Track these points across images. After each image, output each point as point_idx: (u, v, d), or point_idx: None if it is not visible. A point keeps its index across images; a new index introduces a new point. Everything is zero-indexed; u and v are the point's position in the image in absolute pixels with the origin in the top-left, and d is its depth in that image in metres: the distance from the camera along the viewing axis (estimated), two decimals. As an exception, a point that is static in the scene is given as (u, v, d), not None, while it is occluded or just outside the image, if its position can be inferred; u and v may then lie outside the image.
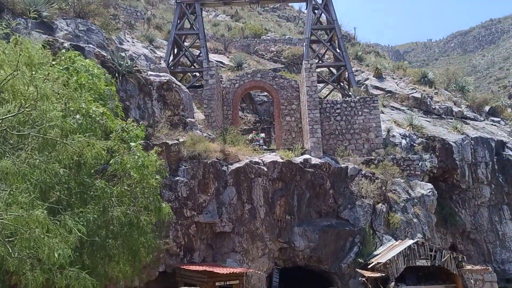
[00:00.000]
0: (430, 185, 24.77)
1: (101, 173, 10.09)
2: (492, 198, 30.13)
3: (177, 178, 16.69)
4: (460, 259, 18.75)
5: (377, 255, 20.46)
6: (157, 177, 9.37)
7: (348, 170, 23.74)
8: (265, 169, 19.81)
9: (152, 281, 15.37)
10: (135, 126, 10.62)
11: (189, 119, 19.55)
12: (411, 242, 19.24)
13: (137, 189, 9.17)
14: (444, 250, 19.10)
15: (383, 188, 23.39)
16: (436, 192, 24.70)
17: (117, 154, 9.68)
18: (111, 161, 9.60)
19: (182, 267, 15.13)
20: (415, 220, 22.87)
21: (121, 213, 8.75)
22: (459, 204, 29.86)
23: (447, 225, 28.69)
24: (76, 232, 6.60)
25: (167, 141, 16.99)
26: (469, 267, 19.86)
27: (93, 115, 8.87)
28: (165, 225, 14.33)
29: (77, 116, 8.49)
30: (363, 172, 24.11)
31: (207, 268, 14.72)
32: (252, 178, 19.17)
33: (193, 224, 16.66)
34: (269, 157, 20.78)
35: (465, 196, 29.91)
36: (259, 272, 17.36)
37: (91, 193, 8.82)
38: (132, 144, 9.27)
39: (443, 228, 28.48)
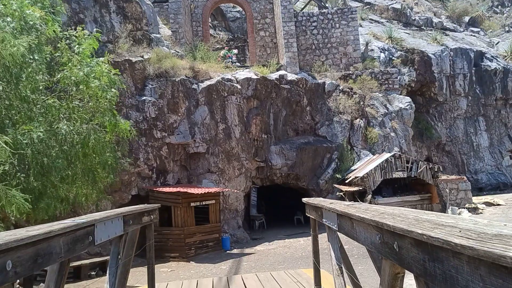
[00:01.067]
0: (408, 99, 24.32)
1: (51, 89, 8.94)
2: (469, 110, 30.19)
3: (144, 97, 15.58)
4: (436, 170, 18.80)
5: (355, 170, 20.39)
6: (112, 90, 8.31)
7: (326, 86, 22.94)
8: (239, 87, 18.78)
9: (125, 205, 14.85)
10: (87, 35, 9.29)
11: (154, 34, 17.96)
12: (388, 155, 19.09)
13: (90, 104, 8.14)
14: (420, 161, 19.07)
15: (361, 103, 22.82)
16: (413, 105, 24.32)
17: (66, 68, 8.49)
18: (59, 75, 8.43)
19: (155, 189, 14.60)
20: (392, 134, 22.66)
21: (73, 131, 7.80)
22: (436, 118, 29.87)
23: (423, 138, 28.90)
24: (4, 147, 5.68)
25: (130, 58, 15.61)
26: (444, 177, 20.06)
27: (29, 20, 7.54)
28: (128, 143, 13.48)
29: (8, 19, 7.18)
30: (340, 88, 23.37)
31: (181, 189, 14.23)
32: (225, 97, 18.20)
33: (164, 146, 15.89)
34: (242, 74, 19.66)
35: (442, 109, 29.86)
36: (236, 191, 17.06)
37: (37, 110, 7.77)
38: (77, 48, 8.06)
39: (419, 141, 28.69)
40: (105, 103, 7.98)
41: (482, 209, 19.61)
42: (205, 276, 11.33)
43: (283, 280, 9.04)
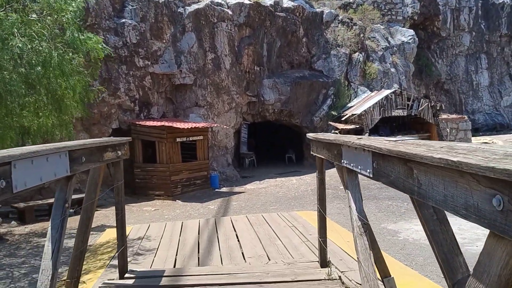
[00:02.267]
0: (411, 31, 22.76)
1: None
2: (471, 47, 28.79)
3: (123, 20, 13.89)
4: (438, 108, 17.79)
5: (352, 107, 19.29)
6: (77, 0, 6.83)
7: (324, 15, 21.18)
8: (230, 12, 17.02)
9: (106, 139, 13.75)
10: None
11: (135, -51, 15.82)
12: (388, 91, 17.95)
13: (49, 18, 6.68)
14: (422, 99, 18.00)
15: (361, 35, 21.24)
16: (417, 39, 22.81)
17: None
18: (11, -19, 6.87)
19: (138, 123, 13.41)
20: (392, 70, 21.37)
21: (31, 49, 6.43)
22: (437, 54, 28.45)
23: (422, 76, 27.64)
24: None
25: (107, -26, 13.70)
26: (444, 116, 19.13)
27: None
28: (103, 69, 12.10)
29: None
30: (340, 18, 21.64)
31: (166, 123, 13.06)
32: (215, 23, 16.50)
33: (147, 76, 14.47)
34: (234, -1, 17.79)
35: (444, 45, 28.39)
36: (225, 127, 15.96)
37: (-15, 24, 6.33)
38: None
39: (418, 79, 27.44)
40: (68, 16, 6.54)
41: (481, 150, 18.88)
42: (192, 216, 10.51)
43: (277, 223, 8.20)
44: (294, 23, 19.77)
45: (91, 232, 9.48)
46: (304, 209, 10.47)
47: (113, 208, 12.05)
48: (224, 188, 14.96)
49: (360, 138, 2.82)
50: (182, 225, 8.57)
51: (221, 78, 16.62)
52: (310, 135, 4.92)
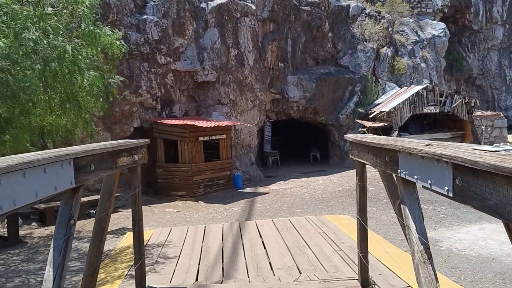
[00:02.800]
0: (442, 25, 21.76)
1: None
2: (505, 40, 27.48)
3: (145, 16, 13.54)
4: (472, 104, 16.87)
5: (379, 104, 18.54)
6: (93, -8, 6.44)
7: (350, 9, 20.43)
8: (253, 7, 16.51)
9: (127, 138, 13.43)
10: None
11: None
12: (419, 87, 17.13)
13: (64, 11, 6.32)
14: (455, 95, 17.10)
15: (390, 29, 20.41)
16: (448, 32, 21.80)
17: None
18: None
19: (159, 121, 13.05)
20: (422, 64, 20.45)
21: (46, 44, 6.07)
22: (468, 48, 27.26)
23: (453, 71, 26.52)
24: None
25: (128, -31, 13.38)
26: (478, 113, 18.16)
27: None
28: (126, 66, 11.78)
29: None
30: (367, 11, 20.85)
31: (188, 122, 12.66)
32: (238, 18, 16.02)
33: (169, 73, 14.10)
34: (257, -7, 17.24)
35: (476, 38, 27.17)
36: (249, 125, 15.48)
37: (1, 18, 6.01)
38: None
39: (448, 74, 26.33)
40: (83, 9, 6.14)
41: (518, 149, 17.83)
42: (214, 219, 10.07)
43: (305, 229, 7.67)
44: (320, 17, 19.11)
45: (112, 235, 9.18)
46: (332, 212, 9.89)
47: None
48: (248, 188, 14.49)
49: (429, 145, 2.27)
50: (205, 229, 8.13)
51: (244, 75, 16.14)
52: (349, 136, 4.37)
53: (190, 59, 14.63)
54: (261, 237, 7.38)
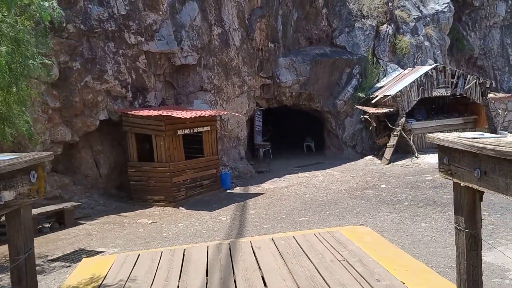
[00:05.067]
0: (446, -1, 19.81)
1: None
2: (507, 17, 25.67)
3: (109, -14, 11.30)
4: (487, 85, 15.04)
5: (382, 87, 16.62)
6: None
7: (346, -17, 18.38)
8: (238, -22, 14.33)
9: (92, 134, 11.29)
10: None
11: None
12: (428, 68, 15.23)
13: None
14: (468, 75, 15.24)
15: (390, 4, 18.40)
16: (452, 7, 19.90)
17: None
18: None
19: (129, 112, 10.91)
20: (426, 43, 18.56)
21: None
22: (469, 26, 25.39)
23: (453, 51, 24.66)
24: None
25: None
26: (490, 95, 16.34)
27: None
28: (86, 47, 9.51)
29: None
30: (364, -15, 18.80)
31: (164, 112, 10.54)
32: (221, -9, 13.84)
33: (141, 55, 11.92)
34: (242, -38, 15.04)
35: (477, 16, 25.30)
36: (237, 114, 13.41)
37: None
38: None
39: (448, 54, 24.49)
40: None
41: (535, 134, 16.14)
42: (198, 233, 8.06)
43: (318, 254, 5.68)
44: (313, -9, 17.02)
45: (62, 263, 7.10)
46: (345, 222, 7.94)
47: (101, 220, 9.69)
48: (238, 188, 12.50)
49: None
50: (184, 255, 6.11)
51: (230, 57, 14.03)
52: (437, 137, 2.39)
53: (166, 38, 12.45)
54: (259, 268, 5.39)
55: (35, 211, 9.00)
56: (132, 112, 10.84)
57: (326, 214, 8.65)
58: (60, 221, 9.22)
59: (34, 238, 8.20)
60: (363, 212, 8.43)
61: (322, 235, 6.65)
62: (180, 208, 10.31)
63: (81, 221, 9.57)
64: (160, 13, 12.35)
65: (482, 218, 6.97)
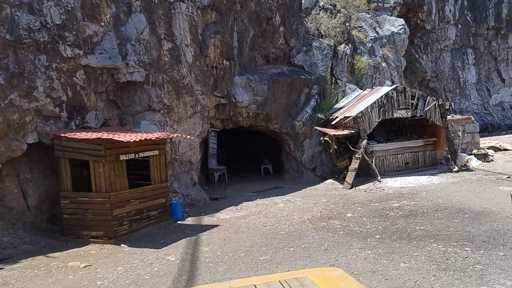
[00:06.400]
0: (401, 21, 19.91)
1: None
2: (457, 41, 26.44)
3: (41, -8, 9.91)
4: (447, 107, 14.80)
5: (341, 108, 16.04)
6: None
7: (303, 1, 17.91)
8: (191, -9, 13.35)
9: (18, 159, 9.69)
10: None
11: None
12: (388, 88, 14.81)
13: None
14: (428, 97, 14.94)
15: (347, 24, 18.08)
16: (407, 29, 19.95)
17: None
18: None
19: (62, 135, 9.46)
20: (383, 64, 18.34)
21: None
22: (421, 49, 25.90)
23: (406, 73, 24.90)
24: None
25: None
26: (448, 117, 16.15)
27: None
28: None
29: None
30: (321, 4, 18.47)
31: (104, 135, 9.18)
32: (172, 3, 12.79)
33: (79, 70, 10.54)
34: (195, -26, 14.10)
35: (428, 39, 25.88)
36: (189, 136, 12.22)
37: None
38: None
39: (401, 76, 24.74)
40: None
41: (492, 156, 16.09)
42: (139, 278, 6.74)
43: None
44: (270, 8, 16.36)
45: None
46: (311, 260, 6.91)
47: (24, 263, 8.08)
48: (190, 218, 11.23)
49: None
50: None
51: (181, 74, 12.91)
52: None
53: (109, 52, 11.16)
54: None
55: None
56: (66, 135, 9.39)
57: (291, 251, 7.59)
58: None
59: None
60: (331, 248, 7.45)
61: (289, 283, 5.54)
62: (122, 245, 8.90)
63: (0, 265, 7.94)
64: (102, 24, 11.07)
65: (466, 256, 6.19)
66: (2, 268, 7.77)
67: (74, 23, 10.45)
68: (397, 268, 6.17)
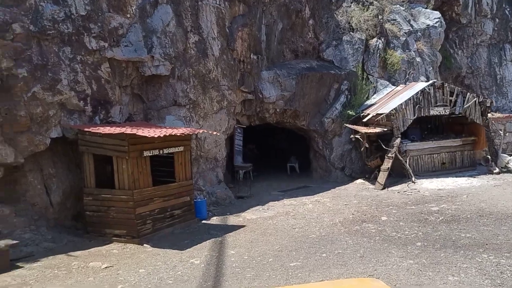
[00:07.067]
0: (437, 14, 18.98)
1: None
2: (494, 36, 25.06)
3: (66, -18, 9.65)
4: (488, 104, 13.91)
5: (373, 105, 15.35)
6: None
7: (334, -7, 17.23)
8: (219, -18, 12.90)
9: (42, 154, 9.47)
10: None
11: None
12: (425, 84, 14.03)
13: None
14: (468, 93, 14.09)
15: (379, 17, 17.32)
16: (444, 22, 18.99)
17: None
18: None
19: (86, 129, 9.18)
20: (418, 59, 17.48)
21: None
22: (456, 44, 24.63)
23: (441, 69, 23.84)
24: None
25: None
26: (489, 115, 15.20)
27: None
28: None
29: None
30: (353, -4, 17.72)
31: (128, 130, 8.85)
32: (199, -5, 12.38)
33: (104, 63, 10.25)
34: (223, -35, 13.64)
35: (464, 33, 24.59)
36: (215, 132, 11.79)
37: None
38: None
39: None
40: None
41: (536, 157, 15.05)
42: (162, 283, 6.36)
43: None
44: (299, 0, 15.74)
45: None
46: (346, 268, 6.35)
47: (44, 262, 7.78)
48: (215, 217, 10.82)
49: None
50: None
51: (208, 68, 12.49)
52: None
53: (134, 44, 10.84)
54: None
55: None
56: (90, 129, 9.11)
57: (323, 257, 7.05)
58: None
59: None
60: (368, 256, 6.87)
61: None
62: (145, 245, 8.55)
63: (20, 263, 7.71)
64: (128, 15, 10.75)
65: (502, 264, 5.48)
66: (23, 267, 7.52)
67: (99, 14, 10.16)
68: (446, 281, 5.56)
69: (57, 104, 9.50)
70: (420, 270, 6.02)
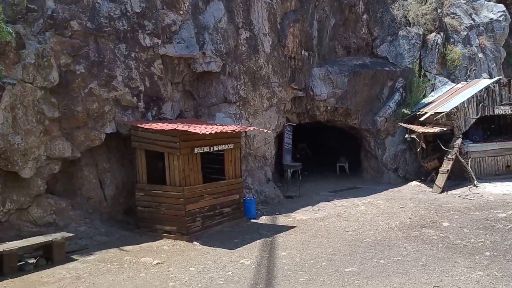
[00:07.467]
0: (501, 7, 17.74)
1: None
2: None
3: (122, -20, 9.78)
4: (561, 104, 12.79)
5: (430, 103, 14.57)
6: None
7: (389, -13, 16.53)
8: (271, -23, 12.68)
9: (97, 149, 9.67)
10: None
11: None
12: (489, 81, 13.12)
13: None
14: (538, 92, 13.03)
15: (439, 10, 16.43)
16: (508, 16, 17.74)
17: None
18: None
19: (139, 125, 9.26)
20: (480, 55, 16.43)
21: None
22: (521, 39, 22.96)
23: (503, 65, 22.34)
24: None
25: None
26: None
27: None
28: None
29: None
30: (410, -11, 16.93)
31: (180, 126, 8.82)
32: (251, -10, 12.21)
33: (157, 59, 10.32)
34: (275, -40, 13.40)
35: (530, 28, 22.88)
36: (265, 130, 11.59)
37: None
38: None
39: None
40: None
41: None
42: (212, 283, 6.23)
43: None
44: (353, -6, 15.22)
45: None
46: (408, 277, 5.95)
47: (97, 256, 7.88)
48: (264, 217, 10.63)
49: None
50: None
51: (258, 65, 12.30)
52: None
53: (186, 41, 10.83)
54: None
55: (17, 244, 7.38)
56: (142, 125, 9.17)
57: (381, 263, 6.66)
58: (48, 256, 7.54)
59: (10, 280, 6.50)
60: (431, 265, 6.40)
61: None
62: (195, 242, 8.49)
63: (75, 256, 7.87)
64: (181, 12, 10.76)
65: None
66: (77, 260, 7.66)
67: (154, 11, 10.22)
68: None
69: (112, 100, 9.65)
70: (492, 283, 5.51)
